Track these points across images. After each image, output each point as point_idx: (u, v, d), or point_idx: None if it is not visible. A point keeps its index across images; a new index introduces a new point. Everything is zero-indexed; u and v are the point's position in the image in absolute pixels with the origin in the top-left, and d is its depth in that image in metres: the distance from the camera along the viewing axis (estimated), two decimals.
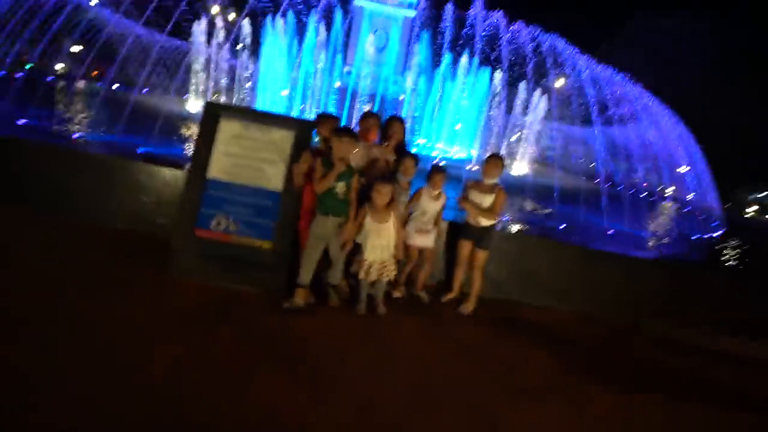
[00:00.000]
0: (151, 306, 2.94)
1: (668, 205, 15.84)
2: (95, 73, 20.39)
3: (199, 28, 17.71)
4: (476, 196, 3.82)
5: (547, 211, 7.83)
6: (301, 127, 3.53)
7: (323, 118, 3.55)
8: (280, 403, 2.24)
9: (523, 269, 4.41)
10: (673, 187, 19.16)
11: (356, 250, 3.45)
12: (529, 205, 9.08)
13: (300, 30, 17.36)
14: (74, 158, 4.33)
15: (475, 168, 14.35)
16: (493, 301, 4.20)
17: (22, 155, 4.34)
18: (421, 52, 16.76)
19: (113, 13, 14.96)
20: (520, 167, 18.32)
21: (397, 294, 3.83)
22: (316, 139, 3.59)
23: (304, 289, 3.26)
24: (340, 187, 3.24)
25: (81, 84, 17.23)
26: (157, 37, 15.66)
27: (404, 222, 3.69)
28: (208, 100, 16.47)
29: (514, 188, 10.77)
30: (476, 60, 16.22)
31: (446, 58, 16.17)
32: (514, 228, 5.08)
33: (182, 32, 18.06)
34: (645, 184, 17.58)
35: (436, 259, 4.16)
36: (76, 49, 18.41)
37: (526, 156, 20.02)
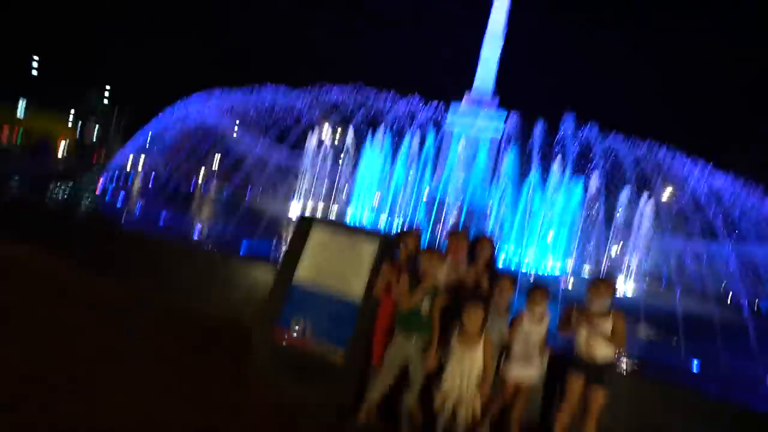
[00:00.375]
0: (226, 407, 2.93)
1: None
2: (223, 183, 24.74)
3: (311, 142, 20.79)
4: (586, 327, 3.16)
5: (670, 341, 6.39)
6: (384, 240, 3.60)
7: (407, 232, 3.55)
8: None
9: (646, 424, 3.48)
10: None
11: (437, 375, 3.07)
12: (642, 332, 7.63)
13: (395, 146, 19.34)
14: (187, 253, 4.92)
15: (571, 281, 13.04)
16: None
17: (144, 248, 5.11)
18: (509, 163, 17.17)
19: (245, 134, 18.48)
20: (626, 287, 16.18)
21: None
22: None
23: (370, 408, 3.02)
24: (426, 305, 3.10)
25: (212, 187, 20.86)
26: (276, 152, 18.60)
27: (504, 352, 3.22)
28: (304, 211, 18.48)
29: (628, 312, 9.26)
30: (569, 168, 15.95)
31: (535, 166, 16.21)
32: (627, 365, 4.14)
33: (299, 145, 21.37)
34: None
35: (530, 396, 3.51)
36: (216, 163, 22.57)
37: (633, 273, 17.80)
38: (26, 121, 36.85)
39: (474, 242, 3.65)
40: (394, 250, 3.48)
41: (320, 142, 20.95)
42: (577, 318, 3.18)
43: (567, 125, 14.44)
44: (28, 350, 3.10)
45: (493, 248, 3.67)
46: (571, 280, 13.53)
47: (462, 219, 16.02)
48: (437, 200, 16.74)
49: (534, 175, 15.25)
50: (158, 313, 4.33)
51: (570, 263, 17.04)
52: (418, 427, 3.12)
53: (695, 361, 5.60)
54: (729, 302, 14.62)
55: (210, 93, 14.01)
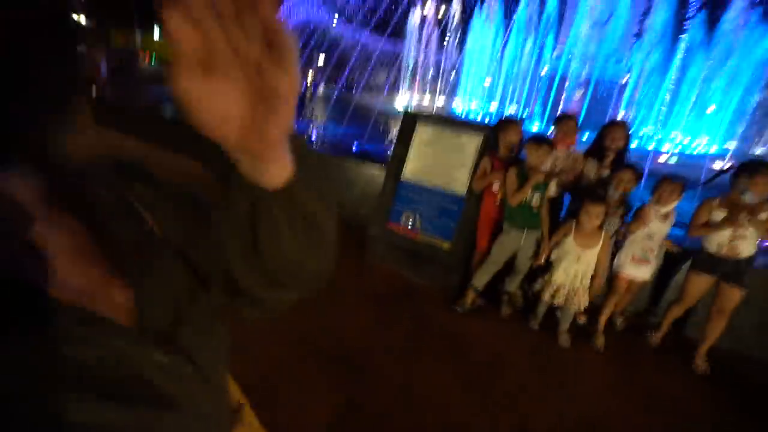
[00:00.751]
0: (350, 286, 3.56)
1: None
2: (332, 79, 25.19)
3: (411, 27, 19.32)
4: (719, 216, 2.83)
5: None
6: (489, 133, 3.53)
7: (507, 122, 3.35)
8: (435, 390, 2.46)
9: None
10: None
11: (544, 266, 3.21)
12: None
13: (507, 14, 16.72)
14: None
15: (727, 166, 10.74)
16: (721, 352, 3.24)
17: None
18: (657, 18, 13.60)
19: (347, 27, 17.99)
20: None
21: (581, 319, 3.40)
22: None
23: (474, 293, 3.33)
24: (536, 199, 3.09)
25: (320, 90, 21.55)
26: (378, 43, 17.95)
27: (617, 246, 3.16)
28: (409, 105, 17.95)
29: None
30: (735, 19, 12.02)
31: (695, 20, 12.60)
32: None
33: (401, 33, 20.15)
34: None
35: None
36: (321, 62, 22.87)
37: None
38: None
39: (603, 130, 3.33)
40: (494, 143, 3.43)
41: (422, 23, 19.25)
42: (718, 214, 2.82)
43: None
44: None
45: (628, 137, 3.31)
46: (728, 164, 11.24)
47: (587, 98, 13.95)
48: (558, 76, 14.63)
49: (691, 31, 11.90)
50: None
51: (733, 144, 13.93)
52: (518, 309, 3.45)
53: None
54: None
55: None
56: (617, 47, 14.18)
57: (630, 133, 3.33)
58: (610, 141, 3.23)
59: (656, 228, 2.97)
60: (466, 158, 3.58)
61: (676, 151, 12.42)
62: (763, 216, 2.67)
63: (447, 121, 3.86)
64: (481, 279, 3.29)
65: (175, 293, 0.41)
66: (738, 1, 12.20)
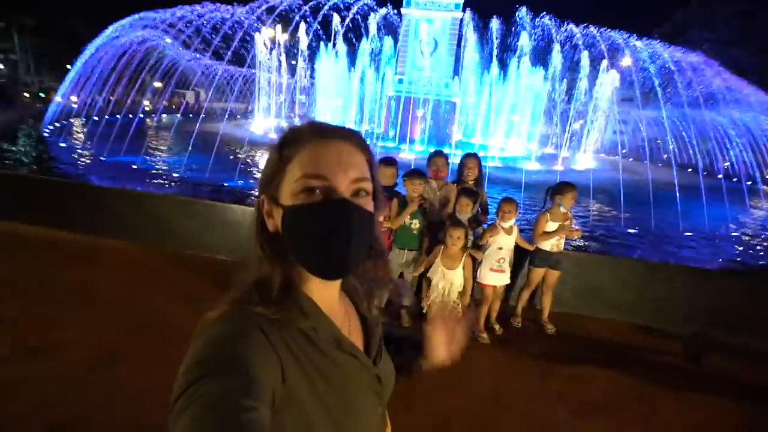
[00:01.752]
0: None
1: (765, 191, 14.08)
2: (173, 105, 22.87)
3: (259, 52, 19.11)
4: (552, 227, 3.93)
5: (623, 215, 7.43)
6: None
7: (383, 165, 3.68)
8: None
9: (584, 285, 4.50)
10: None
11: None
12: (595, 207, 8.78)
13: (351, 43, 18.09)
14: (186, 204, 5.16)
15: (536, 167, 14.04)
16: (553, 314, 4.36)
17: (143, 203, 5.29)
18: (470, 52, 16.66)
19: (185, 52, 16.72)
20: (583, 161, 17.41)
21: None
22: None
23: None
24: (414, 224, 3.67)
25: (164, 117, 19.47)
26: (220, 66, 17.19)
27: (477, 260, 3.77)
28: (268, 130, 17.70)
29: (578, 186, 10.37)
30: (527, 54, 15.79)
31: (494, 57, 15.91)
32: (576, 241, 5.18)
33: (243, 59, 19.61)
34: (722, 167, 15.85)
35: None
36: (158, 85, 20.66)
37: (591, 147, 18.99)
38: None
39: (461, 161, 4.09)
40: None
41: (270, 52, 19.22)
42: (551, 225, 3.88)
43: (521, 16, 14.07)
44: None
45: (480, 165, 4.12)
46: (536, 165, 14.47)
47: (429, 114, 16.05)
48: (402, 98, 16.45)
49: (495, 63, 15.02)
50: (174, 259, 4.78)
51: (534, 145, 17.89)
52: (416, 313, 3.92)
53: (634, 227, 6.71)
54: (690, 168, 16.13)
55: (143, 16, 12.29)
56: (444, 74, 16.74)
57: (480, 161, 4.15)
58: (467, 172, 4.02)
59: (503, 241, 3.78)
60: None
61: (498, 156, 15.35)
62: (567, 224, 3.86)
63: None
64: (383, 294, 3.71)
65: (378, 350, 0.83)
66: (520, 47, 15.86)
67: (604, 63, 16.01)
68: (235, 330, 0.59)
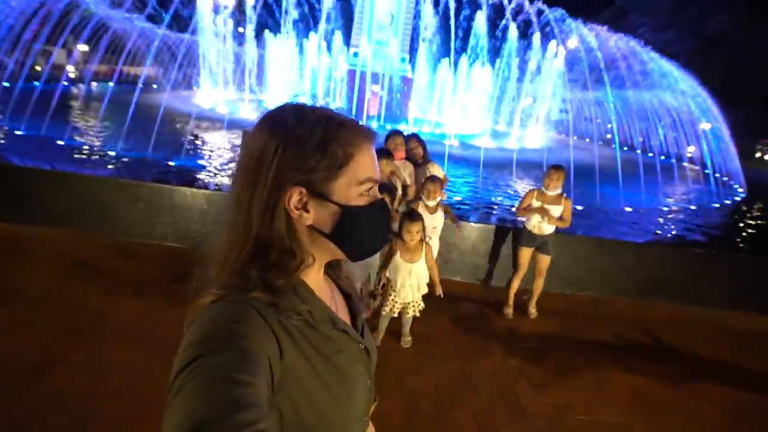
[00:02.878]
0: None
1: (691, 169, 15.52)
2: (103, 72, 20.60)
3: (202, 18, 17.57)
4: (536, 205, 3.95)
5: (572, 191, 7.82)
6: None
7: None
8: None
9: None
10: (693, 148, 18.72)
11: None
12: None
13: (304, 14, 17.12)
14: (127, 186, 4.70)
15: (491, 145, 14.43)
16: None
17: (84, 186, 4.73)
18: (428, 27, 16.42)
19: (116, 11, 14.98)
20: (534, 139, 18.10)
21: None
22: None
23: None
24: None
25: (94, 86, 17.53)
26: (158, 31, 15.69)
27: None
28: (228, 96, 16.55)
29: (530, 164, 10.86)
30: (481, 30, 15.86)
31: (452, 33, 15.82)
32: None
33: (183, 25, 17.97)
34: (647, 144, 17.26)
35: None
36: (84, 48, 18.50)
37: (539, 125, 19.74)
38: None
39: (406, 142, 4.03)
40: None
41: (215, 17, 17.72)
42: (525, 204, 3.93)
43: None
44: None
45: (423, 144, 4.10)
46: (489, 142, 14.81)
47: (386, 91, 15.78)
48: (358, 70, 15.98)
49: (451, 40, 14.93)
50: (110, 250, 4.35)
51: (488, 123, 18.27)
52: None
53: (581, 205, 7.10)
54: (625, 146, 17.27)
55: None
56: (400, 49, 16.41)
57: (421, 140, 4.16)
58: (412, 152, 4.01)
59: (429, 220, 3.55)
60: None
61: (453, 134, 15.53)
62: (554, 210, 3.87)
63: None
64: None
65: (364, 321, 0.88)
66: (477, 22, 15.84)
67: (553, 43, 16.52)
68: (231, 311, 0.60)
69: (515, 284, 4.20)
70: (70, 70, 18.99)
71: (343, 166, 0.67)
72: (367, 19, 16.05)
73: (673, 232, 6.62)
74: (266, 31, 18.25)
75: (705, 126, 16.54)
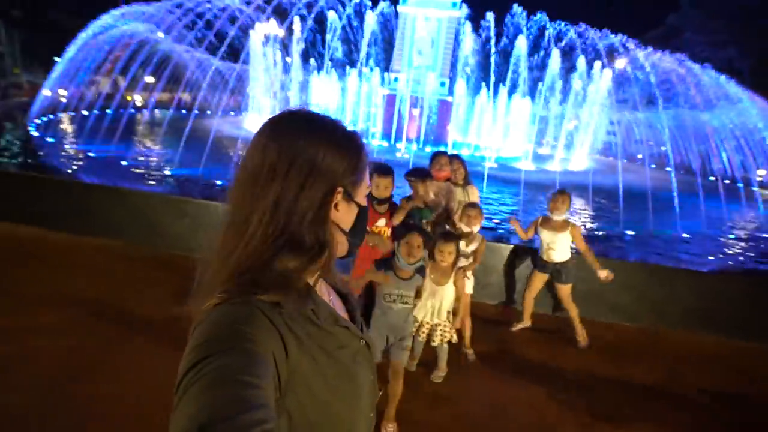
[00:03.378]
0: None
1: (762, 193, 14.15)
2: (165, 100, 22.47)
3: (253, 48, 18.82)
4: (546, 235, 3.81)
5: (612, 211, 7.38)
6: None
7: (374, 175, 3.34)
8: None
9: (584, 287, 4.40)
10: (764, 172, 17.17)
11: None
12: (590, 209, 8.74)
13: (347, 41, 17.88)
14: (176, 202, 4.99)
15: (531, 168, 14.02)
16: (553, 318, 4.26)
17: (134, 201, 5.10)
18: (468, 52, 16.59)
19: (179, 46, 16.40)
20: (579, 161, 17.41)
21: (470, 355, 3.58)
22: None
23: None
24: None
25: (156, 112, 19.10)
26: (213, 61, 16.93)
27: None
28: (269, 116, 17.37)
29: (574, 187, 10.37)
30: (523, 54, 15.72)
31: (492, 57, 15.83)
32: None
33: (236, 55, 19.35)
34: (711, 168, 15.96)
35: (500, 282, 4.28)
36: (150, 80, 20.32)
37: (585, 147, 18.99)
38: None
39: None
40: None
41: (265, 45, 18.94)
42: (538, 226, 3.83)
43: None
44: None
45: (465, 166, 4.03)
46: (531, 166, 14.43)
47: (425, 114, 15.92)
48: (398, 95, 16.29)
49: (492, 63, 14.93)
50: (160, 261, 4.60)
51: (530, 146, 17.85)
52: None
53: (631, 230, 6.65)
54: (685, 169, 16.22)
55: (125, 12, 11.96)
56: (441, 73, 16.60)
57: (463, 161, 4.05)
58: (455, 173, 3.93)
59: (469, 249, 3.50)
60: None
61: (494, 157, 15.28)
62: (560, 238, 3.73)
63: None
64: None
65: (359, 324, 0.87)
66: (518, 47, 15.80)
67: (598, 64, 16.04)
68: (237, 312, 0.61)
69: (526, 302, 4.04)
70: (137, 99, 20.89)
71: (364, 173, 0.77)
72: (408, 45, 16.44)
73: (739, 260, 6.01)
74: (311, 60, 19.23)
75: None
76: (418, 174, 3.40)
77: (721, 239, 7.20)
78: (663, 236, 6.62)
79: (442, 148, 4.22)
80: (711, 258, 5.92)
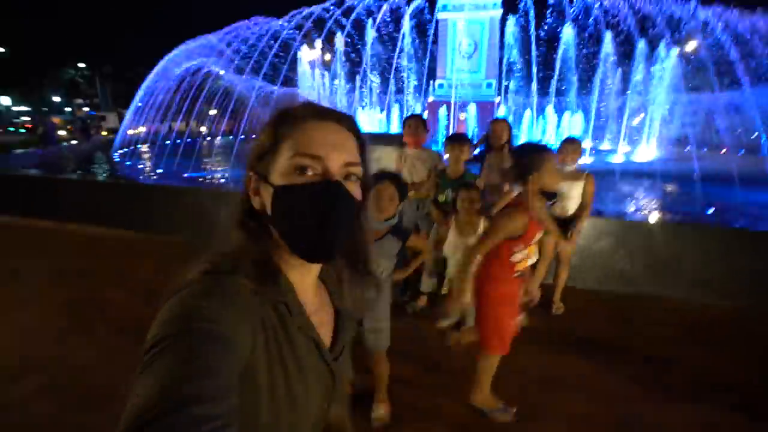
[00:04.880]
0: None
1: None
2: (229, 129, 24.48)
3: (302, 71, 19.94)
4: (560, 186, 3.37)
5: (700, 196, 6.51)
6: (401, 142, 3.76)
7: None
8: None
9: (658, 259, 3.88)
10: None
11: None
12: (662, 190, 7.86)
13: (387, 52, 18.30)
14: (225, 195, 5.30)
15: (589, 161, 13.04)
16: (621, 297, 3.79)
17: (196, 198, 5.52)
18: (513, 50, 16.17)
19: (239, 77, 17.86)
20: (645, 154, 15.96)
21: None
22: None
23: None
24: (445, 195, 3.25)
25: (218, 140, 20.78)
26: (272, 89, 18.13)
27: None
28: None
29: (640, 174, 9.42)
30: (572, 40, 14.92)
31: (533, 52, 15.22)
32: (643, 214, 4.59)
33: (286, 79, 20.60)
34: None
35: None
36: (213, 112, 22.24)
37: (653, 138, 17.37)
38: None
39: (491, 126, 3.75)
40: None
41: (312, 67, 20.01)
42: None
43: None
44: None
45: (510, 130, 3.72)
46: (588, 157, 13.48)
47: (474, 117, 15.65)
48: (443, 102, 16.21)
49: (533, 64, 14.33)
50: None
51: (588, 142, 16.73)
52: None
53: (711, 206, 5.83)
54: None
55: (194, 40, 13.31)
56: (485, 76, 16.32)
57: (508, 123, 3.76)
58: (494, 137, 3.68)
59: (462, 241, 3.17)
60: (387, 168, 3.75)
61: None
62: (570, 188, 3.33)
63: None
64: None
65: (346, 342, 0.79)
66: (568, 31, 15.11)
67: (662, 47, 14.70)
68: (217, 290, 0.55)
69: (540, 271, 3.50)
70: (203, 129, 23.04)
71: (280, 143, 0.63)
72: (449, 50, 16.41)
73: None
74: (357, 77, 19.95)
75: None
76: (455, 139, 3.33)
77: None
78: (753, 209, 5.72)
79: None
80: None
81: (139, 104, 15.82)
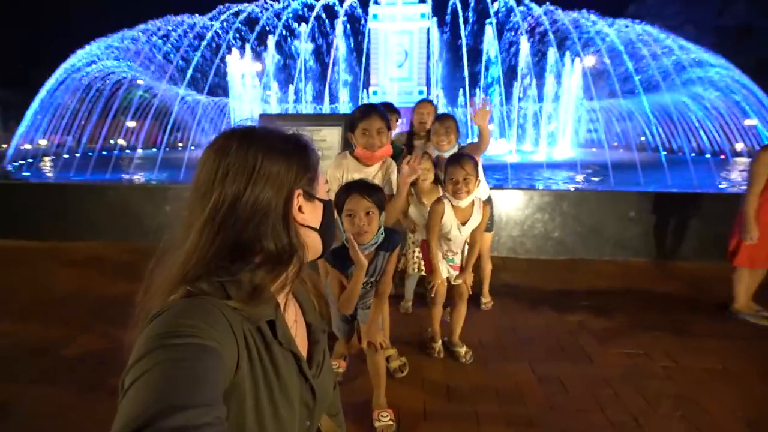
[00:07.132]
0: None
1: (741, 161, 14.32)
2: (152, 141, 22.64)
3: (232, 81, 19.19)
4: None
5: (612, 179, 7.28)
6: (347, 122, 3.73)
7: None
8: None
9: (584, 226, 4.28)
10: (742, 144, 17.45)
11: None
12: (579, 176, 8.73)
13: (321, 62, 18.32)
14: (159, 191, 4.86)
15: (517, 159, 14.12)
16: (558, 262, 4.12)
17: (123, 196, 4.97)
18: (441, 58, 17.06)
19: (158, 84, 16.58)
20: (562, 151, 17.65)
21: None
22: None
23: None
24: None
25: (140, 152, 19.08)
26: (198, 97, 17.12)
27: None
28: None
29: (562, 167, 10.35)
30: (497, 53, 16.18)
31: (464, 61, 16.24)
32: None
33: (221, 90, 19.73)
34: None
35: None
36: (131, 124, 20.51)
37: (567, 140, 19.30)
38: None
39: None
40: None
41: (242, 77, 19.33)
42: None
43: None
44: None
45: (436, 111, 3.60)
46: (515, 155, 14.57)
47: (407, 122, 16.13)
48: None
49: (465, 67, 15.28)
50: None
51: (513, 145, 18.08)
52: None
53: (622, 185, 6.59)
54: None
55: (104, 40, 11.98)
56: (417, 83, 16.99)
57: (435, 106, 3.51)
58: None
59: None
60: (330, 149, 3.68)
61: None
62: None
63: (305, 117, 3.93)
64: None
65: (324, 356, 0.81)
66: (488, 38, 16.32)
67: (568, 59, 16.45)
68: (202, 309, 0.56)
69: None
70: (121, 142, 21.05)
71: (315, 168, 0.73)
72: (382, 59, 16.87)
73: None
74: (290, 86, 19.65)
75: (751, 122, 15.46)
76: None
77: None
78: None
79: None
80: None
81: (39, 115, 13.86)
